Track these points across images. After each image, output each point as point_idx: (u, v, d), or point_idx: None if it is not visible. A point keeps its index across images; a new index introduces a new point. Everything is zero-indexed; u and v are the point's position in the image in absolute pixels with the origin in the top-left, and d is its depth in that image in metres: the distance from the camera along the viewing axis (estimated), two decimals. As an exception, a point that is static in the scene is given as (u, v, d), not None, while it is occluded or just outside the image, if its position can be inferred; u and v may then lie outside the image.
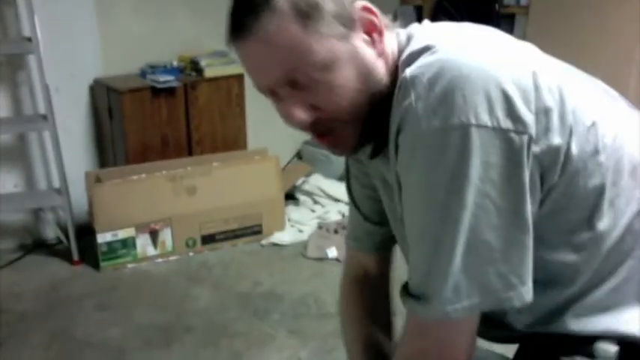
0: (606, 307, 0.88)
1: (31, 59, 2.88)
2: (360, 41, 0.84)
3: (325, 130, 0.86)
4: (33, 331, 2.43)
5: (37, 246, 3.13)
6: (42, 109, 2.92)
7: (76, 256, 2.93)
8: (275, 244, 3.13)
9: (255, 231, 3.17)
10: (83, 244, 2.95)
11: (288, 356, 2.27)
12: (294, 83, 0.82)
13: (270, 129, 3.36)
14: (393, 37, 0.88)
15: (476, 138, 0.73)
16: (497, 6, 3.40)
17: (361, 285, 1.19)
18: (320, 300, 2.58)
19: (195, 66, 3.23)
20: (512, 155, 0.74)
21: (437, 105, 0.74)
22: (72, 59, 3.08)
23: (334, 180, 3.51)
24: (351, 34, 0.83)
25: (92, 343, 2.36)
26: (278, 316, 2.52)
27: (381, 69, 0.85)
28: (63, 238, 3.07)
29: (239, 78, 3.25)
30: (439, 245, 0.77)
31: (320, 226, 3.23)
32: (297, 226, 3.25)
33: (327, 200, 3.43)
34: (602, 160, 0.82)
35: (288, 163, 3.78)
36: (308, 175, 3.57)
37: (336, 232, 3.15)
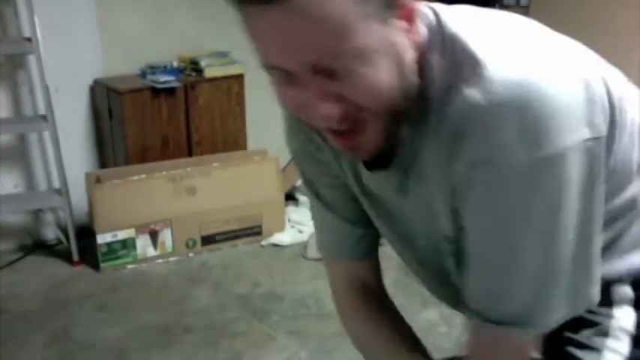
0: (631, 249, 0.90)
1: (31, 59, 2.88)
2: (397, 28, 0.71)
3: (351, 127, 0.74)
4: (33, 332, 2.43)
5: (37, 247, 3.13)
6: (42, 109, 2.92)
7: (76, 257, 2.93)
8: (275, 245, 3.13)
9: (255, 232, 3.17)
10: (83, 244, 2.95)
11: (288, 357, 2.27)
12: (327, 70, 0.68)
13: (270, 129, 3.36)
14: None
15: (567, 166, 0.71)
16: (497, 6, 3.40)
17: (366, 299, 1.08)
18: (320, 300, 2.58)
19: (195, 66, 3.23)
20: (595, 163, 0.73)
21: (530, 141, 0.69)
22: (72, 60, 3.08)
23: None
24: (392, 18, 0.70)
25: (92, 344, 2.36)
26: (278, 316, 2.52)
27: (412, 61, 0.74)
28: (63, 238, 3.07)
29: (239, 78, 3.25)
30: (549, 276, 0.77)
31: (320, 227, 3.23)
32: (297, 226, 3.25)
33: (327, 201, 3.43)
34: (630, 133, 0.83)
35: (288, 163, 3.77)
36: (308, 175, 3.56)
37: (336, 232, 3.14)
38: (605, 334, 0.91)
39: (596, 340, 0.91)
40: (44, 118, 2.84)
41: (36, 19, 2.66)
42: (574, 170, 0.71)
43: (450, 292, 0.98)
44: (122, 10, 3.18)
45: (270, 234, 3.18)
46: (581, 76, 0.74)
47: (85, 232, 2.97)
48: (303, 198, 3.47)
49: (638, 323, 0.91)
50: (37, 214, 3.16)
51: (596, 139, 0.72)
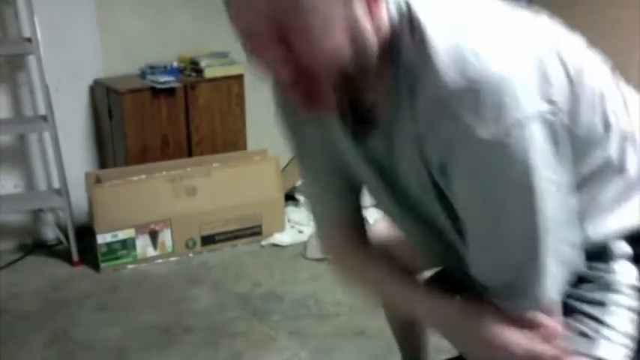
0: (613, 207, 0.95)
1: (31, 60, 2.88)
2: (357, 7, 0.81)
3: (302, 81, 0.83)
4: (33, 332, 2.43)
5: (37, 247, 3.13)
6: (42, 109, 2.92)
7: (75, 257, 2.93)
8: (275, 245, 3.13)
9: (255, 232, 3.17)
10: (83, 244, 2.95)
11: (288, 357, 2.27)
12: (284, 32, 0.79)
13: (270, 130, 3.35)
14: (383, 7, 0.86)
15: (529, 133, 0.77)
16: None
17: (353, 232, 1.16)
18: (320, 301, 2.58)
19: (195, 66, 3.23)
20: (555, 134, 0.80)
21: (490, 117, 0.77)
22: (72, 60, 3.08)
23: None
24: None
25: (92, 344, 2.36)
26: (278, 316, 2.52)
27: (371, 39, 0.83)
28: (63, 238, 3.07)
29: (239, 78, 3.25)
30: (535, 239, 0.82)
31: (320, 227, 3.23)
32: (297, 226, 3.25)
33: (327, 201, 3.43)
34: (590, 102, 0.89)
35: (288, 163, 3.78)
36: (308, 175, 3.56)
37: (336, 232, 3.14)
38: (608, 288, 0.94)
39: (600, 295, 0.94)
40: (44, 118, 2.84)
41: (36, 20, 2.66)
42: (536, 138, 0.78)
43: (446, 251, 1.01)
44: (122, 11, 3.18)
45: (270, 234, 3.18)
46: (536, 54, 0.81)
47: (85, 232, 2.97)
48: (302, 198, 3.47)
49: None
50: (37, 214, 3.16)
51: (554, 113, 0.79)
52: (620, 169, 0.95)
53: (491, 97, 0.76)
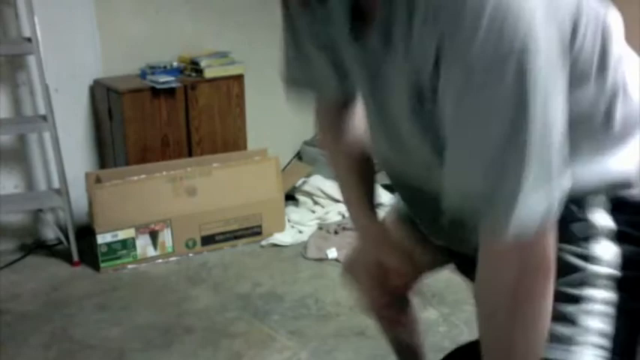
0: (591, 159, 0.92)
1: (31, 60, 2.88)
2: None
3: None
4: (33, 332, 2.43)
5: (37, 247, 3.13)
6: (42, 109, 2.92)
7: (75, 257, 2.93)
8: (275, 245, 3.13)
9: (255, 232, 3.17)
10: (83, 244, 2.95)
11: (288, 357, 2.27)
12: None
13: (270, 130, 3.37)
14: None
15: (527, 65, 0.75)
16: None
17: (341, 113, 1.20)
18: (320, 301, 2.58)
19: (195, 66, 3.23)
20: (553, 68, 0.78)
21: (489, 40, 0.74)
22: (72, 60, 3.08)
23: (334, 181, 3.49)
24: None
25: (92, 344, 2.36)
26: (278, 316, 2.52)
27: None
28: (63, 238, 3.07)
29: (239, 78, 3.25)
30: (515, 149, 0.78)
31: (320, 227, 3.23)
32: (297, 226, 3.25)
33: (327, 201, 3.43)
34: (591, 44, 0.88)
35: (288, 163, 3.78)
36: (308, 175, 3.57)
37: (336, 232, 3.14)
38: (589, 283, 0.91)
39: (580, 291, 0.91)
40: (44, 118, 2.84)
41: (36, 20, 2.66)
42: (534, 69, 0.75)
43: (420, 173, 0.99)
44: (122, 11, 3.18)
45: (270, 234, 3.18)
46: None
47: (85, 232, 2.97)
48: (303, 198, 3.47)
49: (623, 263, 0.91)
50: (37, 214, 3.16)
51: (559, 30, 0.78)
52: (605, 121, 0.92)
53: (495, 18, 0.73)
